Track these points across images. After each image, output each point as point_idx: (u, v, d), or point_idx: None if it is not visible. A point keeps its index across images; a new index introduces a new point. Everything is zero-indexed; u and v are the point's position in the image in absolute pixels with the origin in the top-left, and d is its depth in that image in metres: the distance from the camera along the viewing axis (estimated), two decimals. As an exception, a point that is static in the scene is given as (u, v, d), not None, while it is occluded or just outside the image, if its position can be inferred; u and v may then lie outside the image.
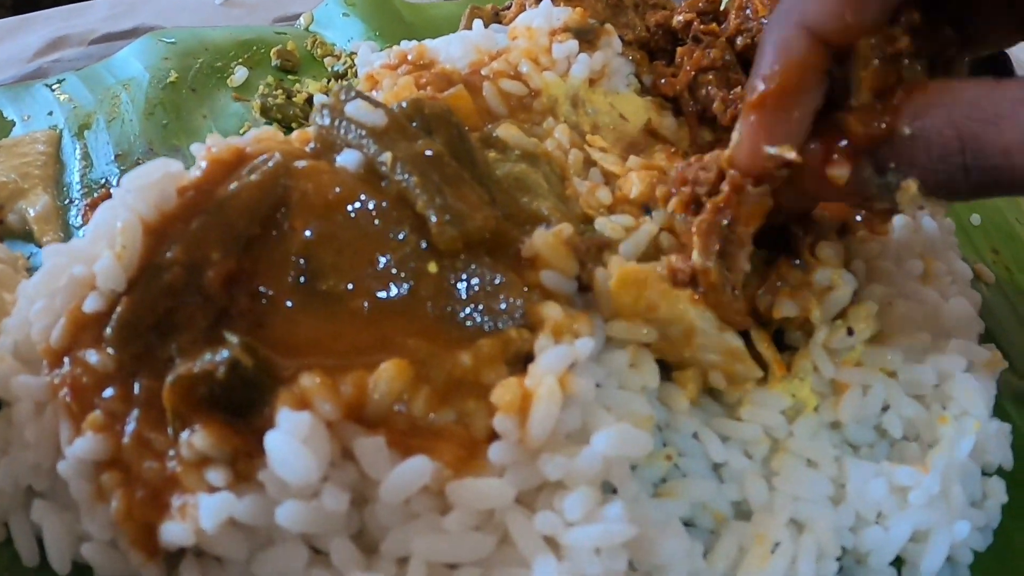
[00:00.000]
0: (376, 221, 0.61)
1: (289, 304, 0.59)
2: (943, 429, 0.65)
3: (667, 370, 0.64)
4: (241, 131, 0.88)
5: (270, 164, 0.63)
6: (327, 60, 1.00)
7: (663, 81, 0.82)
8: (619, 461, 0.55)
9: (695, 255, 0.62)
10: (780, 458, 0.63)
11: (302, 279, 0.60)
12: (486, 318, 0.60)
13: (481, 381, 0.57)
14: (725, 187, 0.62)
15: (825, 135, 0.57)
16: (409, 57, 0.81)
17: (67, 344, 0.59)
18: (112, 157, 0.88)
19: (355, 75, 0.93)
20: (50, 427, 0.58)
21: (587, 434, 0.56)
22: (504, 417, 0.54)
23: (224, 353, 0.54)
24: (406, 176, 0.61)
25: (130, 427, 0.55)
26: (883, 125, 0.54)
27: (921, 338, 0.66)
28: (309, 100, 0.93)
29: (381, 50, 0.95)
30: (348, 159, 0.63)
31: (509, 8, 0.93)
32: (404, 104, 0.68)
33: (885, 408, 0.66)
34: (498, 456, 0.54)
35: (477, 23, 0.85)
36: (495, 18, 0.92)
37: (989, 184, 0.52)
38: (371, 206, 0.61)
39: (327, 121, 0.66)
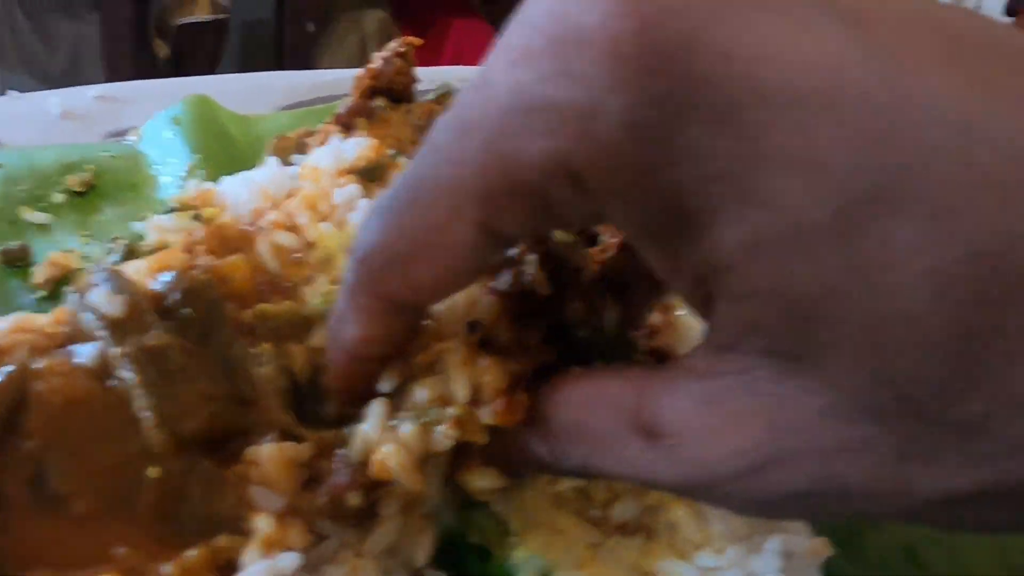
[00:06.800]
0: (101, 423, 0.63)
1: (24, 509, 0.61)
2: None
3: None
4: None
5: (11, 366, 0.64)
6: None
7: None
8: None
9: None
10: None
11: (37, 483, 0.62)
12: (202, 525, 0.61)
13: (187, 592, 0.59)
14: None
15: None
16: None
17: None
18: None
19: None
20: None
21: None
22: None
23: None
24: (128, 374, 0.63)
25: None
26: None
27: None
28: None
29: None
30: (84, 353, 0.65)
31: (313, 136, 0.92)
32: (170, 278, 0.70)
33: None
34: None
35: (271, 160, 0.85)
36: (299, 148, 0.90)
37: None
38: (98, 407, 0.63)
39: (74, 307, 0.67)
